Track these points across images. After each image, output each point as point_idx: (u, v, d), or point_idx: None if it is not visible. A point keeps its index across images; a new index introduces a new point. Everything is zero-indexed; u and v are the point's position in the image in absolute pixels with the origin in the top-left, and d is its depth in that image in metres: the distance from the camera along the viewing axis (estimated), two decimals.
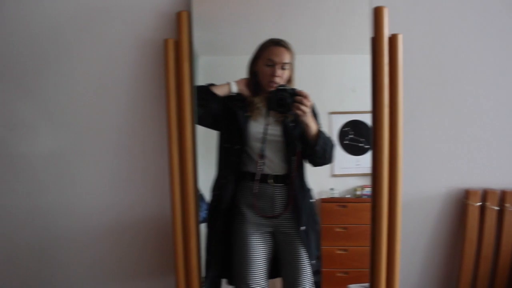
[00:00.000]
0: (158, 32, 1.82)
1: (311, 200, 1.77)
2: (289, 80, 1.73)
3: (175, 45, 1.73)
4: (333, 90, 1.83)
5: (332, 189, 1.83)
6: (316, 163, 1.74)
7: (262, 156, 1.71)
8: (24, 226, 1.97)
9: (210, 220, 1.78)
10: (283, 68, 1.71)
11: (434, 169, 1.89)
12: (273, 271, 1.79)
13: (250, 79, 1.76)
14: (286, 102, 1.63)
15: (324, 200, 1.83)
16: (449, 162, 1.88)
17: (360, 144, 1.79)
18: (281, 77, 1.71)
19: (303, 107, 1.64)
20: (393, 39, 1.67)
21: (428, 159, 1.88)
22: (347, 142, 1.80)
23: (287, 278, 1.76)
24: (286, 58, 1.71)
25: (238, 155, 1.74)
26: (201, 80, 1.74)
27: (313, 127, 1.68)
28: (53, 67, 1.88)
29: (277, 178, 1.73)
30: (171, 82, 1.72)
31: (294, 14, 1.78)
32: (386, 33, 1.66)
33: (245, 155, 1.73)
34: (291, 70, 1.73)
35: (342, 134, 1.80)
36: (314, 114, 1.70)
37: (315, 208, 1.78)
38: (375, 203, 1.68)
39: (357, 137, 1.79)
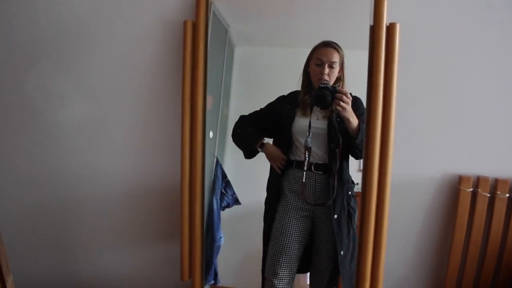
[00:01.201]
0: (180, 14, 1.98)
1: (349, 193, 1.88)
2: (339, 79, 1.87)
3: (193, 27, 1.91)
4: None
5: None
6: (358, 156, 1.84)
7: (308, 148, 1.83)
8: (55, 187, 2.22)
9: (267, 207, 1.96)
10: (331, 67, 1.84)
11: (429, 154, 1.95)
12: (303, 266, 1.94)
13: (303, 80, 1.90)
14: (325, 99, 1.76)
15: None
16: (444, 148, 1.94)
17: None
18: (329, 75, 1.84)
19: (342, 104, 1.76)
20: (391, 28, 1.76)
21: (423, 144, 1.94)
22: None
23: (315, 264, 1.92)
24: (334, 57, 1.84)
25: (286, 146, 1.90)
26: (236, 70, 1.91)
27: (353, 122, 1.78)
28: (86, 45, 2.11)
29: (319, 167, 1.86)
30: (188, 60, 1.91)
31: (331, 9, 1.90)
32: (385, 21, 1.74)
33: (294, 146, 1.89)
34: (342, 69, 1.86)
35: None
36: (359, 112, 1.81)
37: (352, 200, 1.89)
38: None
39: None
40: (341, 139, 1.80)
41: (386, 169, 1.77)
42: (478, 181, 1.91)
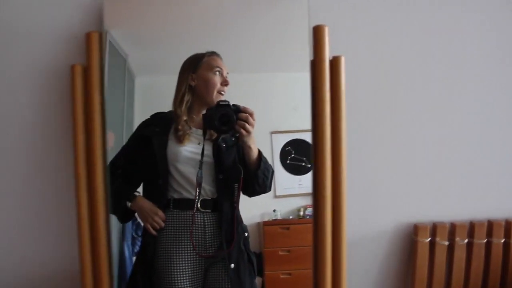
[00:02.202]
0: (66, 56, 1.58)
1: (245, 234, 1.59)
2: None
3: (84, 72, 1.49)
4: (274, 109, 1.72)
5: (275, 210, 1.70)
6: (255, 191, 1.56)
7: (199, 183, 1.52)
8: None
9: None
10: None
11: (380, 203, 1.75)
12: None
13: (180, 97, 1.58)
14: (230, 120, 1.47)
15: (266, 223, 1.71)
16: (396, 195, 1.75)
17: (302, 164, 1.68)
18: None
19: (248, 127, 1.47)
20: (334, 62, 1.51)
21: (373, 193, 1.74)
22: (289, 162, 1.69)
23: None
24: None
25: (161, 180, 1.54)
26: (138, 101, 1.66)
27: (255, 150, 1.52)
28: None
29: (206, 204, 1.53)
30: (79, 115, 1.48)
31: (230, 31, 1.68)
32: (327, 55, 1.50)
33: (170, 179, 1.54)
34: None
35: (284, 153, 1.70)
36: None
37: (248, 243, 1.60)
38: (316, 248, 1.50)
39: (299, 156, 1.69)
40: (242, 171, 1.52)
41: (340, 227, 1.50)
42: (435, 229, 1.72)
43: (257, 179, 1.54)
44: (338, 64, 1.50)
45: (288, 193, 1.72)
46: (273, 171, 1.61)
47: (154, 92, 1.73)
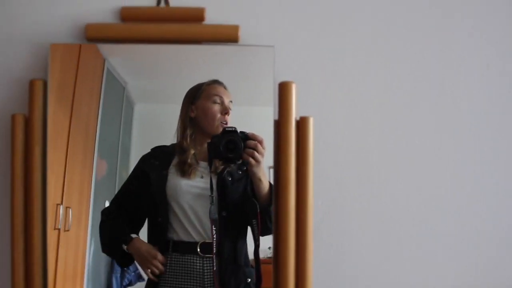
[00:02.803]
0: (7, 105, 1.46)
1: (248, 280, 1.44)
2: None
3: (25, 123, 1.37)
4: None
5: (270, 248, 1.51)
6: (267, 229, 1.41)
7: (214, 220, 1.38)
8: None
9: None
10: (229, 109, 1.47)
11: (355, 276, 1.54)
12: None
13: (182, 130, 1.48)
14: (237, 147, 1.35)
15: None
16: (370, 273, 1.54)
17: None
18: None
19: (257, 155, 1.35)
20: (302, 123, 1.36)
21: (348, 264, 1.54)
22: None
23: None
24: (231, 98, 1.47)
25: (162, 223, 1.42)
26: (137, 129, 1.58)
27: (265, 182, 1.39)
28: None
29: (206, 247, 1.39)
30: (18, 169, 1.35)
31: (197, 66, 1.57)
32: (294, 115, 1.35)
33: (171, 217, 1.42)
34: None
35: None
36: None
37: None
38: None
39: None
40: (258, 206, 1.39)
41: None
42: None
43: (270, 216, 1.38)
44: (306, 125, 1.35)
45: None
46: None
47: (153, 120, 1.65)
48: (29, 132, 1.35)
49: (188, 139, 1.47)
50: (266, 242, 1.51)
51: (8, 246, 1.36)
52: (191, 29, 1.43)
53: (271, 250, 1.51)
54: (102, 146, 1.55)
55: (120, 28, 1.44)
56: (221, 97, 1.46)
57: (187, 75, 1.60)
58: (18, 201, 1.35)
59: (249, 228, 1.44)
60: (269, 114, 1.39)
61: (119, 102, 1.65)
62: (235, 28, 1.41)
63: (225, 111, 1.46)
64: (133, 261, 1.49)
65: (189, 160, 1.44)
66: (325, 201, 1.48)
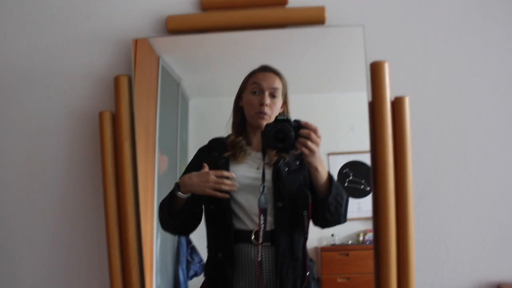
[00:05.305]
0: (94, 102, 1.46)
1: (307, 273, 1.38)
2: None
3: (112, 119, 1.36)
4: (330, 130, 1.51)
5: (333, 235, 1.53)
6: (327, 221, 1.38)
7: (263, 209, 1.34)
8: None
9: None
10: (273, 96, 1.40)
11: (456, 258, 1.50)
12: None
13: (235, 118, 1.44)
14: (287, 136, 1.29)
15: (324, 249, 1.56)
16: (474, 250, 1.49)
17: (361, 186, 1.51)
18: (270, 107, 1.40)
19: (310, 145, 1.28)
20: (397, 103, 1.30)
21: (449, 246, 1.49)
22: (347, 184, 1.52)
23: None
24: (276, 83, 1.40)
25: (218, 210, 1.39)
26: (193, 124, 1.59)
27: (322, 172, 1.33)
28: None
29: (265, 236, 1.35)
30: (108, 166, 1.35)
31: (283, 52, 1.51)
32: (388, 95, 1.28)
33: (230, 207, 1.38)
34: (285, 102, 1.42)
35: (342, 176, 1.53)
36: None
37: (313, 284, 1.41)
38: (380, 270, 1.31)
39: (357, 178, 1.52)
40: (310, 197, 1.33)
41: (407, 252, 1.30)
42: None
43: (328, 207, 1.34)
44: (401, 105, 1.29)
45: (347, 217, 1.54)
46: (348, 198, 1.41)
47: (208, 115, 1.65)
48: (117, 129, 1.35)
49: (239, 129, 1.44)
50: (329, 229, 1.50)
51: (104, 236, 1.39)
52: (274, 14, 1.39)
53: (334, 237, 1.52)
54: (162, 142, 1.56)
55: (202, 17, 1.42)
56: (260, 85, 1.40)
57: (240, 68, 1.56)
58: (111, 199, 1.36)
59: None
60: (361, 98, 1.35)
61: (175, 98, 1.64)
62: (321, 9, 1.37)
63: (261, 101, 1.40)
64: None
65: (241, 150, 1.41)
66: (421, 184, 1.44)
